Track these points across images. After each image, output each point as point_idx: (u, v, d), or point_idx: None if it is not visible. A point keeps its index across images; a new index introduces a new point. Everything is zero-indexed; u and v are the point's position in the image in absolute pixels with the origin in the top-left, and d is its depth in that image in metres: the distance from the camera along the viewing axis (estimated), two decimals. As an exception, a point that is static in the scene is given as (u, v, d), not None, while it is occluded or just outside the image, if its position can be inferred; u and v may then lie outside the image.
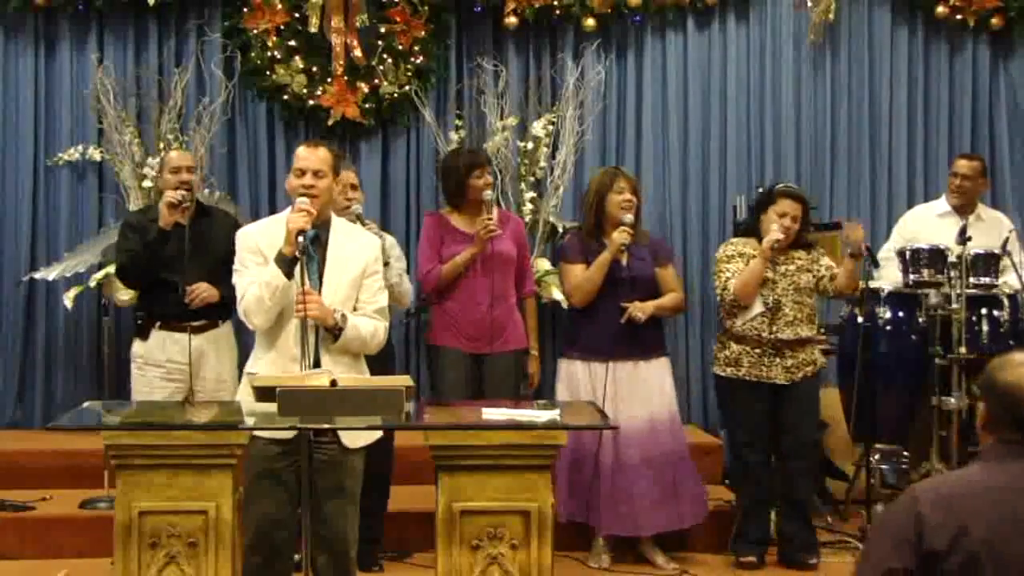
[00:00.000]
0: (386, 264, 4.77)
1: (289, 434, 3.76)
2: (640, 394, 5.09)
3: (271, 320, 3.87)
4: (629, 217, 5.06)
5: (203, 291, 4.90)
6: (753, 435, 5.15)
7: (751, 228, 5.27)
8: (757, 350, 5.10)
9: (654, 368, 5.16)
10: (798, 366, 5.10)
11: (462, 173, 5.21)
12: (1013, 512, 2.32)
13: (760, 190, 6.46)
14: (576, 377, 5.12)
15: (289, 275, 3.80)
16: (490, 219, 5.06)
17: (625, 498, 5.06)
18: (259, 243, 3.96)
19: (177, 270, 4.90)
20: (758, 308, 5.08)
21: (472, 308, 5.11)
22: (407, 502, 5.20)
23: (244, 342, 4.90)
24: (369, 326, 3.94)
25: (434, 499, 3.64)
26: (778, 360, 5.09)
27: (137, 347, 5.08)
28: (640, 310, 5.05)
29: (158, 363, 5.00)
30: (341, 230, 4.05)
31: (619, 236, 5.01)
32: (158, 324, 5.02)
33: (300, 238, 3.78)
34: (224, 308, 5.01)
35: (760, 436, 5.15)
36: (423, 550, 4.98)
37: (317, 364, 3.80)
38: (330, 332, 3.86)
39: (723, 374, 5.20)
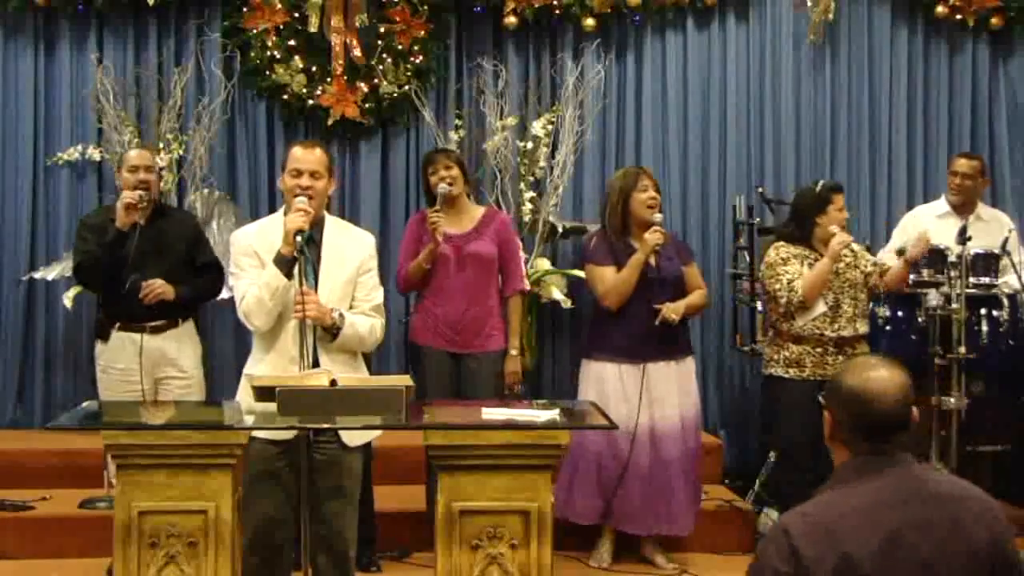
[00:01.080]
0: None
1: (288, 434, 3.77)
2: (673, 394, 5.08)
3: (272, 321, 3.87)
4: (659, 216, 5.03)
5: (157, 287, 4.84)
6: (813, 439, 5.04)
7: (798, 232, 5.20)
8: (819, 349, 5.10)
9: (684, 368, 5.16)
10: None
11: (423, 169, 5.27)
12: (889, 531, 2.22)
13: (760, 190, 6.50)
14: (605, 379, 5.07)
15: (288, 275, 3.80)
16: (436, 211, 5.03)
17: (665, 498, 5.05)
18: (254, 246, 3.96)
19: (134, 271, 4.84)
20: (821, 307, 5.09)
21: (449, 307, 5.11)
22: (407, 502, 5.20)
23: (246, 342, 4.89)
24: (366, 324, 3.95)
25: (425, 499, 3.64)
26: (841, 358, 5.06)
27: (98, 349, 5.05)
28: (674, 311, 5.03)
29: (118, 366, 4.96)
30: (334, 229, 4.06)
31: (652, 237, 4.96)
32: (117, 325, 4.98)
33: (298, 238, 3.79)
34: (183, 308, 4.98)
35: (819, 441, 5.04)
36: (422, 550, 4.98)
37: (316, 364, 3.80)
38: (328, 331, 3.86)
39: (785, 376, 5.16)
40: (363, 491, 4.87)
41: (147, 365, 4.92)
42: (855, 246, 5.26)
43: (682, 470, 5.08)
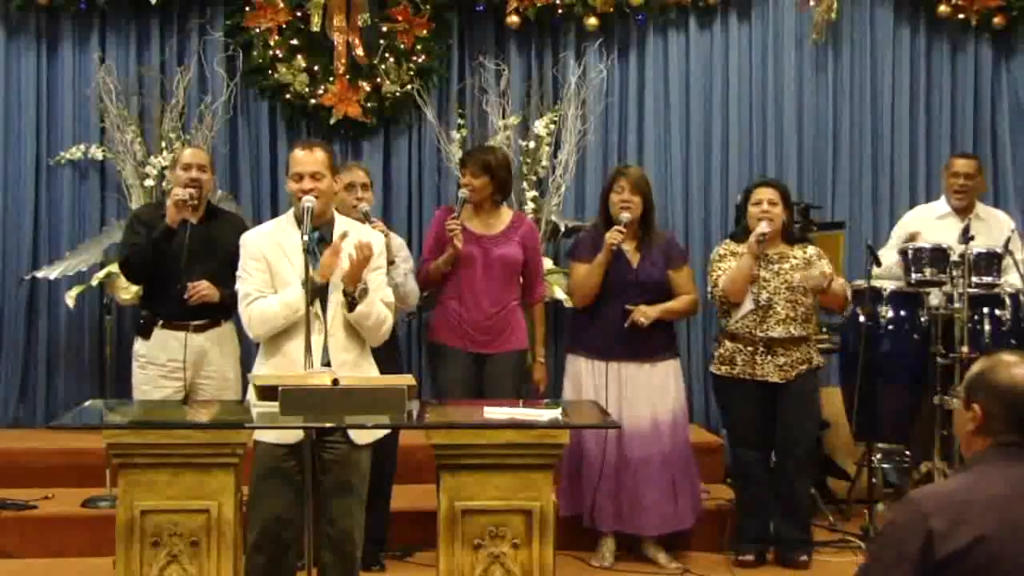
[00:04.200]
0: (392, 263, 4.78)
1: (292, 434, 3.77)
2: (644, 395, 5.09)
3: (273, 334, 3.91)
4: (625, 216, 5.06)
5: (203, 289, 4.87)
6: (749, 433, 5.17)
7: (739, 231, 5.31)
8: (749, 348, 5.11)
9: (660, 370, 5.15)
10: (792, 364, 5.09)
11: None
12: (1020, 519, 2.28)
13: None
14: (581, 374, 5.14)
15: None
16: (454, 219, 5.05)
17: (627, 498, 5.07)
18: (263, 250, 3.97)
19: (181, 269, 4.88)
20: (748, 306, 5.09)
21: (472, 308, 5.11)
22: (408, 501, 5.20)
23: (248, 343, 4.90)
24: (383, 310, 3.97)
25: (435, 498, 3.64)
26: (770, 358, 5.09)
27: (139, 346, 5.06)
28: (643, 315, 5.04)
29: (159, 362, 4.98)
30: (344, 228, 4.06)
31: (609, 236, 5.02)
32: (160, 323, 5.01)
33: (306, 238, 3.80)
34: (226, 309, 5.00)
35: (756, 434, 5.16)
36: (425, 549, 4.99)
37: (327, 364, 3.82)
38: (347, 298, 3.87)
39: (718, 372, 5.22)
40: (382, 493, 4.91)
41: (190, 362, 4.94)
42: (810, 250, 5.18)
43: (651, 472, 5.07)
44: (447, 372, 5.15)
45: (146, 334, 5.03)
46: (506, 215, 5.26)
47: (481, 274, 5.11)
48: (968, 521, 2.26)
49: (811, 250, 5.23)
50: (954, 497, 2.32)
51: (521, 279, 5.24)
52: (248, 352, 5.77)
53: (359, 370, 3.93)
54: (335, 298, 3.91)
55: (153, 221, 5.00)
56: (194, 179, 4.94)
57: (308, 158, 3.96)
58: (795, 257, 5.16)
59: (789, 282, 5.11)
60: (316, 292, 3.84)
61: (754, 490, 5.19)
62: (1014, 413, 2.38)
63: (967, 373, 2.52)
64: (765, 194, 5.14)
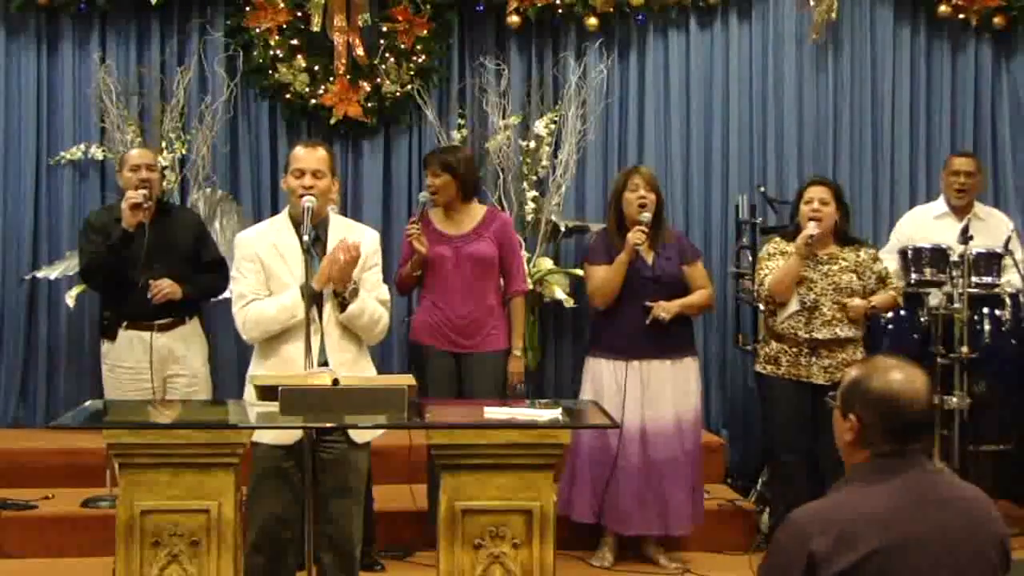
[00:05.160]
0: None
1: (292, 435, 3.78)
2: (667, 394, 5.07)
3: (267, 337, 3.91)
4: (646, 215, 5.04)
5: (165, 287, 4.86)
6: (791, 435, 5.09)
7: (792, 229, 5.21)
8: (794, 349, 5.06)
9: (681, 368, 5.14)
10: (837, 366, 5.00)
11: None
12: (903, 533, 2.22)
13: (762, 189, 6.50)
14: (601, 376, 5.10)
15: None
16: (413, 223, 5.08)
17: (655, 498, 5.05)
18: (257, 250, 3.97)
19: (141, 269, 4.85)
20: (794, 307, 5.04)
21: (447, 308, 5.10)
22: (408, 501, 5.20)
23: (217, 339, 4.90)
24: (377, 307, 3.97)
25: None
26: (815, 360, 5.04)
27: (105, 348, 5.06)
28: (664, 310, 5.03)
29: (126, 364, 4.97)
30: (339, 227, 4.07)
31: (633, 236, 4.99)
32: (124, 324, 4.98)
33: (306, 238, 3.80)
34: (189, 306, 4.99)
35: (797, 436, 5.08)
36: (424, 549, 4.99)
37: (324, 364, 3.82)
38: (339, 297, 3.87)
39: (763, 372, 5.18)
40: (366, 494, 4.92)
41: (156, 363, 4.92)
42: (863, 253, 5.13)
43: (678, 471, 5.07)
44: (428, 372, 5.14)
45: (111, 336, 5.02)
46: (477, 212, 5.24)
47: (453, 273, 5.10)
48: (852, 540, 2.19)
49: (864, 253, 5.15)
50: (835, 515, 2.25)
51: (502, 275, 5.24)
52: (217, 348, 5.79)
53: (357, 369, 3.94)
54: (330, 298, 3.91)
55: (107, 226, 4.98)
56: (144, 180, 4.93)
57: (311, 155, 3.97)
58: (845, 259, 5.10)
59: (837, 284, 5.04)
60: (312, 295, 3.84)
61: (794, 493, 4.93)
62: (889, 423, 2.30)
63: (843, 380, 2.45)
64: (817, 193, 5.07)
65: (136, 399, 4.85)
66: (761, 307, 5.26)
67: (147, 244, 4.77)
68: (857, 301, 5.03)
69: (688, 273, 5.18)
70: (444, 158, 5.19)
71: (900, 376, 2.33)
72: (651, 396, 5.04)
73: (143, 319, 4.93)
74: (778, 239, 5.27)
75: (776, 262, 5.10)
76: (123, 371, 4.98)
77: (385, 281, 4.28)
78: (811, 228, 4.97)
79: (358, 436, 3.91)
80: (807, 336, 5.03)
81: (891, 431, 2.31)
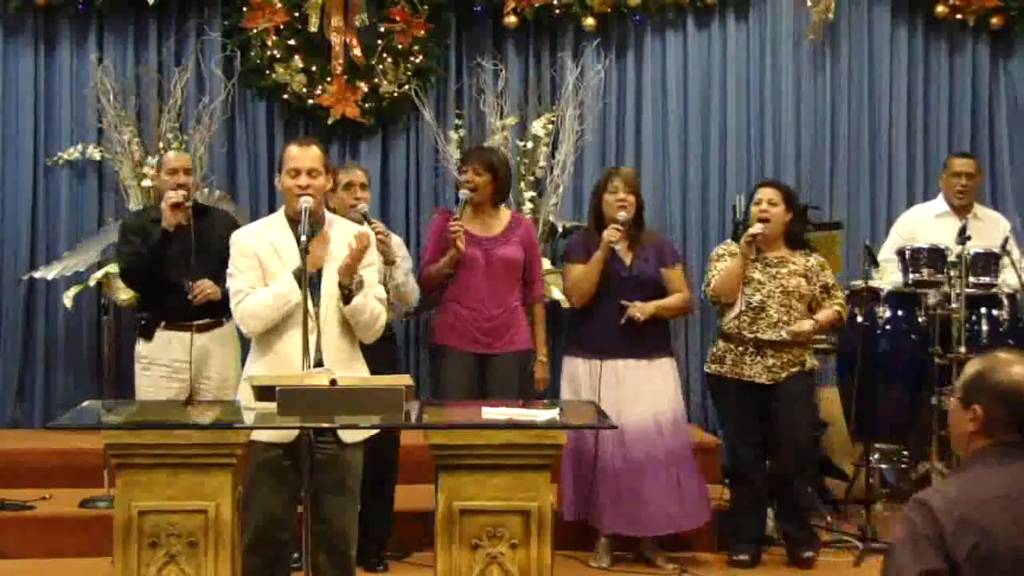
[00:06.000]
0: (392, 263, 4.78)
1: (288, 435, 3.77)
2: (643, 393, 5.09)
3: (268, 328, 3.90)
4: (622, 215, 5.06)
5: (207, 287, 4.90)
6: (740, 433, 5.20)
7: (743, 230, 5.34)
8: (739, 348, 5.11)
9: (657, 368, 5.15)
10: (781, 366, 5.08)
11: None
12: (1018, 517, 2.29)
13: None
14: (578, 375, 5.14)
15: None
16: (456, 220, 5.01)
17: (630, 498, 5.06)
18: (254, 247, 3.96)
19: (180, 270, 4.89)
20: (739, 307, 5.08)
21: (474, 310, 5.09)
22: (407, 501, 5.20)
23: (248, 342, 4.90)
24: (377, 305, 3.97)
25: (433, 498, 3.64)
26: (759, 360, 5.09)
27: (141, 347, 5.07)
28: (639, 310, 5.05)
29: (162, 362, 5.00)
30: (336, 226, 4.06)
31: (608, 234, 5.03)
32: (163, 324, 5.02)
33: (304, 238, 3.79)
34: (226, 307, 5.01)
35: (748, 434, 5.16)
36: (423, 549, 4.98)
37: (319, 364, 3.81)
38: (343, 290, 3.86)
39: (709, 371, 5.26)
40: (383, 489, 4.91)
41: (194, 362, 4.95)
42: (812, 260, 5.16)
43: (659, 471, 5.07)
44: (450, 374, 5.12)
45: (148, 336, 5.04)
46: (504, 216, 5.25)
47: (483, 276, 5.09)
48: (975, 520, 2.28)
49: (813, 260, 5.20)
50: (958, 498, 2.33)
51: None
52: (248, 352, 5.78)
53: (352, 369, 3.93)
54: (328, 293, 3.89)
55: (144, 228, 5.02)
56: (181, 183, 4.97)
57: (305, 154, 3.96)
58: (795, 263, 5.14)
59: (785, 287, 5.09)
60: (310, 286, 3.82)
61: (748, 490, 5.19)
62: (1016, 414, 2.40)
63: (963, 373, 2.54)
64: (766, 194, 5.15)
65: (171, 399, 4.85)
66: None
67: (190, 244, 4.82)
68: (806, 324, 5.07)
69: (666, 276, 5.20)
70: (487, 157, 5.17)
71: (1022, 370, 2.44)
72: (626, 396, 5.06)
73: (183, 319, 4.96)
74: (728, 241, 5.38)
75: (723, 263, 5.16)
76: (159, 369, 5.00)
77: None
78: (756, 228, 5.03)
79: (348, 436, 3.90)
80: (751, 336, 5.08)
81: (1016, 421, 2.40)
